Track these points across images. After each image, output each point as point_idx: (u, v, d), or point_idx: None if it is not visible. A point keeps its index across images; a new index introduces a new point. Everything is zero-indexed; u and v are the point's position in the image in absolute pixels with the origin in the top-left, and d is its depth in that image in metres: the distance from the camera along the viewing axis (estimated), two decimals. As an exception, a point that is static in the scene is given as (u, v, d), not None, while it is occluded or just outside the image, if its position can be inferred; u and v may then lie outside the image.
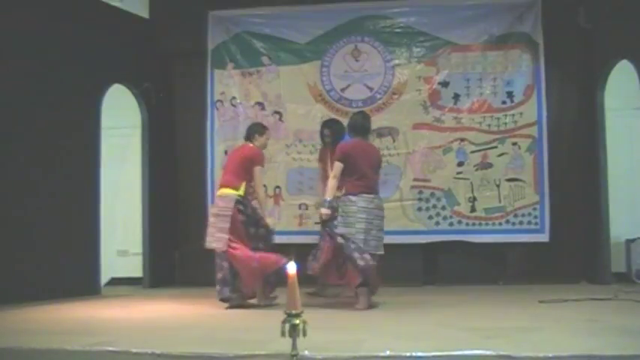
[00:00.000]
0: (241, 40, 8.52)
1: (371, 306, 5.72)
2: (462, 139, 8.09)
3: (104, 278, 7.97)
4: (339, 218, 5.81)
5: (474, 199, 8.03)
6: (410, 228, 8.02)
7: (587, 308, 5.41)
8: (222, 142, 8.40)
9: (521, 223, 7.96)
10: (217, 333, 4.53)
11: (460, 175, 8.08)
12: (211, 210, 6.48)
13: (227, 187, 6.17)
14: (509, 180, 8.01)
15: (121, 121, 8.56)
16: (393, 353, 3.44)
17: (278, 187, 8.29)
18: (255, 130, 6.45)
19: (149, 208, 8.33)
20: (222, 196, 6.16)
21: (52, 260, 6.78)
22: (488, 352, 3.41)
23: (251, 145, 6.37)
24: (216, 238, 6.04)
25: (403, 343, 3.80)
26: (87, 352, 3.76)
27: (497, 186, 8.01)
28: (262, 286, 6.05)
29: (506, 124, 8.05)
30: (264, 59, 8.47)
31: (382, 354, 3.44)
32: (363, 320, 5.09)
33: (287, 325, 3.09)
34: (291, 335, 3.09)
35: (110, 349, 3.76)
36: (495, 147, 8.04)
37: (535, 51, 8.04)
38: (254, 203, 6.23)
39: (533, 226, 7.94)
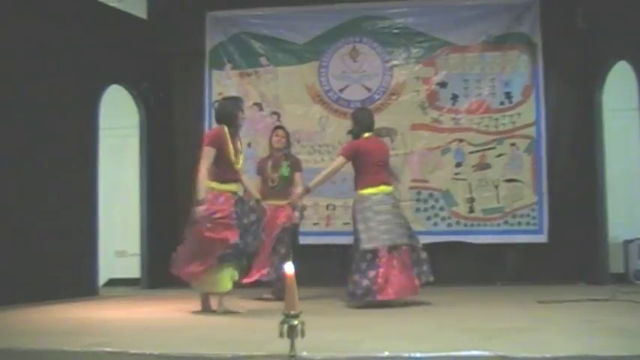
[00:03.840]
0: (239, 40, 8.52)
1: None
2: (461, 140, 8.10)
3: (102, 279, 7.96)
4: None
5: (473, 199, 8.04)
6: (408, 229, 8.02)
7: (586, 309, 5.40)
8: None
9: (519, 223, 7.98)
10: (215, 334, 4.52)
11: (458, 176, 8.08)
12: (380, 207, 5.89)
13: (390, 184, 6.07)
14: (507, 180, 8.02)
15: (119, 122, 8.55)
16: (391, 354, 3.43)
17: (276, 187, 8.28)
18: None
19: (147, 208, 8.33)
20: (390, 194, 6.00)
21: (50, 261, 6.77)
22: (486, 353, 3.40)
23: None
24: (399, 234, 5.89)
25: (402, 343, 3.79)
26: (85, 353, 3.74)
27: (496, 187, 8.02)
28: None
29: (504, 124, 8.06)
30: (262, 60, 8.48)
31: (381, 355, 3.43)
32: (361, 321, 5.09)
33: (285, 326, 3.08)
34: (289, 336, 3.09)
35: (108, 349, 3.74)
36: (494, 148, 8.05)
37: (533, 52, 8.06)
38: None
39: (531, 227, 7.95)
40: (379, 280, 5.68)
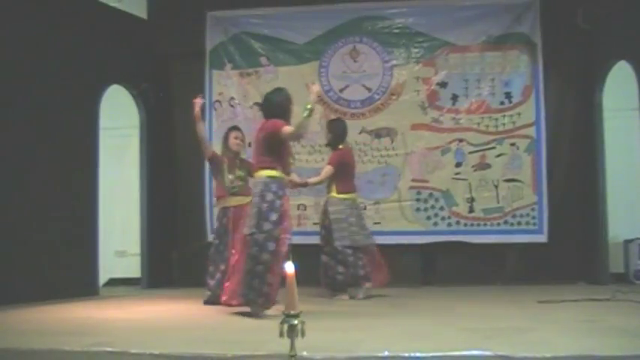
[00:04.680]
0: (239, 40, 8.52)
1: None
2: (461, 140, 8.10)
3: (102, 279, 7.97)
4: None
5: (472, 199, 8.04)
6: (408, 228, 8.03)
7: (586, 309, 5.41)
8: (220, 142, 8.37)
9: (519, 223, 7.98)
10: (215, 333, 4.53)
11: (458, 176, 8.09)
12: (351, 211, 6.68)
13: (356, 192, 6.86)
14: (507, 180, 8.02)
15: (119, 122, 8.56)
16: (391, 354, 3.43)
17: (276, 187, 8.28)
18: None
19: (147, 208, 8.34)
20: (356, 201, 6.88)
21: (50, 260, 6.78)
22: (486, 353, 3.40)
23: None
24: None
25: (401, 343, 3.79)
26: (85, 353, 3.75)
27: (496, 186, 8.02)
28: None
29: (504, 124, 8.06)
30: (263, 60, 8.48)
31: (380, 354, 3.44)
32: (361, 321, 5.09)
33: (285, 326, 3.08)
34: (289, 336, 3.09)
35: (109, 349, 3.75)
36: (493, 147, 8.06)
37: (533, 52, 8.06)
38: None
39: (531, 227, 7.96)
40: (368, 269, 6.51)
